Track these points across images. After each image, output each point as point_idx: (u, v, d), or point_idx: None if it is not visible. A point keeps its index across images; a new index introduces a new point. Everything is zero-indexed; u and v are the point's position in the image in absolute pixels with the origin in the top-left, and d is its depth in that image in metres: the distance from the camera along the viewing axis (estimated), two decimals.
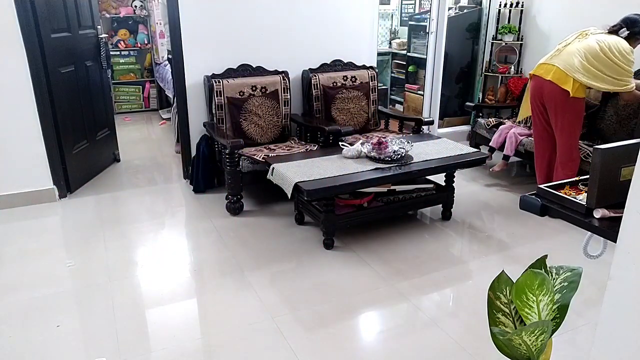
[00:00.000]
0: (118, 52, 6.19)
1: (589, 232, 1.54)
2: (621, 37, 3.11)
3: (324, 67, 3.98)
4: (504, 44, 4.77)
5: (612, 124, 3.66)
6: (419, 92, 5.28)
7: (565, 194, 1.57)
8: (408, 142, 3.09)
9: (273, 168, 2.95)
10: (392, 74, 6.15)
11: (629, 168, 1.28)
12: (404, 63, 5.74)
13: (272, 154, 3.29)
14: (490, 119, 4.27)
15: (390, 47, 6.16)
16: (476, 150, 3.44)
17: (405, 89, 5.61)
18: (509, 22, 4.81)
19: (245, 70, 3.72)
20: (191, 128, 3.77)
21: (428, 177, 3.28)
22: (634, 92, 3.15)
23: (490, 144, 4.09)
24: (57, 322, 2.24)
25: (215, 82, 3.54)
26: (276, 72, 3.78)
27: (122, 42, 6.20)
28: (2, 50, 3.17)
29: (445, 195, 3.26)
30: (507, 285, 1.50)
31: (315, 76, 3.86)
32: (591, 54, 3.06)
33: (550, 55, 3.26)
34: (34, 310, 2.34)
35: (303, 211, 3.20)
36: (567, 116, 3.21)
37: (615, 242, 1.18)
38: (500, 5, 4.81)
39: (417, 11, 5.77)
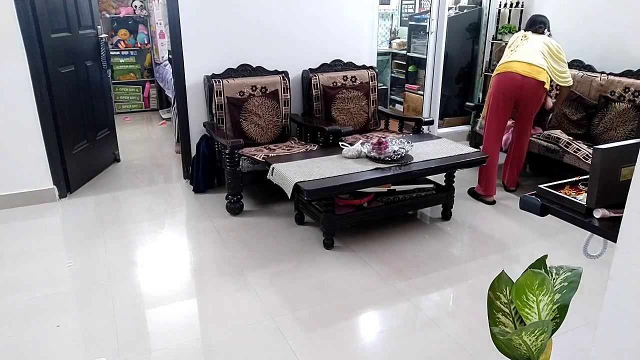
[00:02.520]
0: (118, 52, 6.19)
1: (589, 232, 1.54)
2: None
3: (324, 67, 3.98)
4: (504, 44, 4.77)
5: (607, 130, 3.66)
6: (419, 92, 5.28)
7: (565, 194, 1.56)
8: (408, 142, 3.09)
9: (273, 168, 2.95)
10: (392, 74, 6.15)
11: (629, 168, 1.28)
12: (404, 63, 5.74)
13: (272, 154, 3.29)
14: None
15: (390, 47, 6.15)
16: (476, 150, 3.44)
17: (405, 89, 5.61)
18: (509, 22, 4.81)
19: (245, 70, 3.72)
20: (191, 128, 3.77)
21: (428, 177, 3.28)
22: (569, 88, 3.58)
23: None
24: (57, 322, 2.24)
25: (215, 82, 3.54)
26: (276, 72, 3.78)
27: (122, 42, 6.20)
28: (2, 50, 3.17)
29: (445, 195, 3.26)
30: (507, 285, 1.50)
31: (315, 76, 3.86)
32: (546, 52, 3.39)
33: (512, 55, 3.46)
34: (34, 310, 2.34)
35: (303, 211, 3.20)
36: (537, 106, 3.52)
37: (615, 242, 1.18)
38: (500, 5, 4.81)
39: (417, 11, 5.77)
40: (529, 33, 3.53)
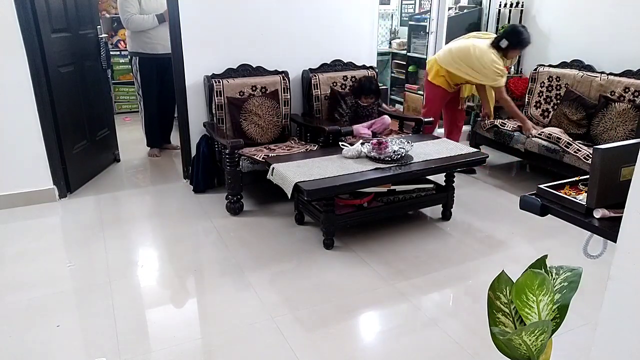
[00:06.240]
0: (118, 52, 6.19)
1: (589, 232, 1.53)
2: (502, 47, 3.68)
3: (324, 67, 3.98)
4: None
5: (607, 130, 3.66)
6: (419, 92, 5.28)
7: (565, 194, 1.56)
8: (408, 142, 3.09)
9: (273, 168, 2.95)
10: (392, 74, 6.15)
11: (629, 168, 1.28)
12: (404, 63, 5.74)
13: (272, 154, 3.28)
14: (486, 121, 4.22)
15: (390, 47, 6.16)
16: (476, 150, 3.44)
17: (405, 89, 5.61)
18: (509, 22, 4.81)
19: (245, 70, 3.72)
20: (191, 128, 3.77)
21: (428, 177, 3.28)
22: (502, 92, 3.84)
23: None
24: (57, 322, 2.24)
25: (215, 82, 3.54)
26: (276, 72, 3.78)
27: (122, 42, 6.19)
28: (2, 50, 3.16)
29: (445, 195, 3.26)
30: (507, 285, 1.50)
31: (315, 76, 3.86)
32: (459, 50, 3.76)
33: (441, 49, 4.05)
34: (34, 310, 2.34)
35: (303, 211, 3.20)
36: (425, 95, 4.18)
37: (615, 242, 1.18)
38: (500, 5, 4.81)
39: (417, 11, 5.77)
40: (475, 34, 3.99)
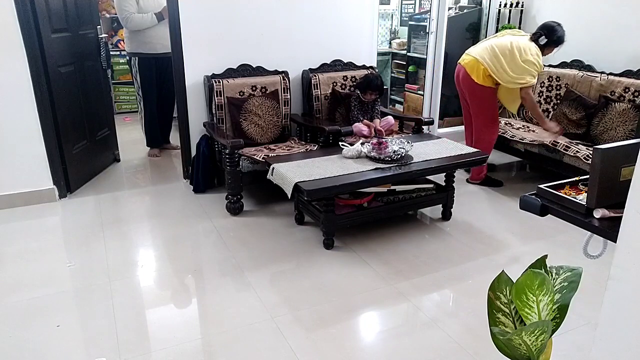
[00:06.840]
0: (118, 52, 6.19)
1: (589, 232, 1.54)
2: (540, 44, 3.48)
3: (324, 67, 3.98)
4: None
5: (607, 130, 3.66)
6: (419, 92, 5.28)
7: (565, 194, 1.56)
8: (408, 142, 3.09)
9: (273, 168, 2.95)
10: (392, 74, 6.15)
11: (629, 168, 1.28)
12: (404, 63, 5.74)
13: (272, 154, 3.28)
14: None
15: (390, 47, 6.16)
16: (476, 150, 3.43)
17: (405, 89, 5.61)
18: (509, 22, 4.81)
19: (245, 70, 3.72)
20: (191, 128, 3.77)
21: (428, 177, 3.28)
22: (529, 92, 3.52)
23: None
24: (57, 322, 2.24)
25: (215, 82, 3.54)
26: (276, 72, 3.78)
27: (122, 42, 6.19)
28: (2, 50, 3.16)
29: (445, 195, 3.26)
30: (507, 285, 1.50)
31: (315, 76, 3.86)
32: (500, 49, 3.48)
33: (473, 47, 3.72)
34: (34, 310, 2.34)
35: (303, 211, 3.20)
36: (476, 100, 3.69)
37: (615, 242, 1.18)
38: (500, 5, 4.81)
39: (417, 11, 5.77)
40: (510, 31, 3.75)
